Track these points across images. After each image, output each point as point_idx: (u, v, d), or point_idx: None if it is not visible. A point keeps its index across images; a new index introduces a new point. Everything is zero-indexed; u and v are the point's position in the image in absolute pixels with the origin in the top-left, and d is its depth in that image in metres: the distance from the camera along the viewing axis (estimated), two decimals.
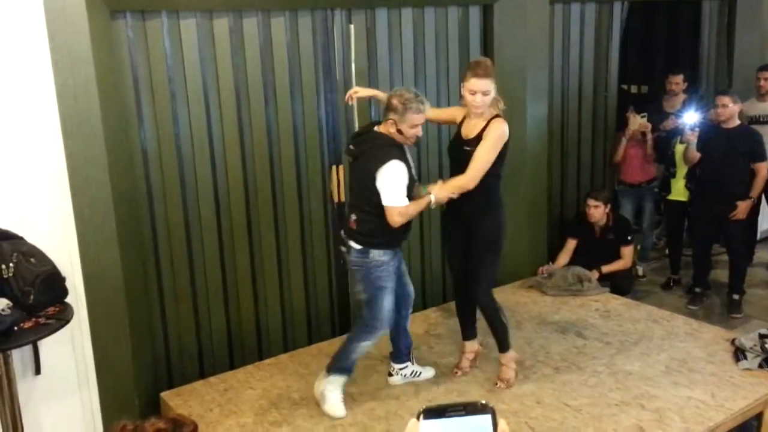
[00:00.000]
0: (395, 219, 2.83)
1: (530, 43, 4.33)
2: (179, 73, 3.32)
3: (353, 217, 2.95)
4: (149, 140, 3.30)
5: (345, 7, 3.71)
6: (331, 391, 3.04)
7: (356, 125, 3.85)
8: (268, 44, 3.53)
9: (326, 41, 3.70)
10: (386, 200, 2.83)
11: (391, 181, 2.81)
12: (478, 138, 2.99)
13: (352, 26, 3.75)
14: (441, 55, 4.13)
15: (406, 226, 2.95)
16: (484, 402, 0.80)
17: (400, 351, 3.28)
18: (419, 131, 2.90)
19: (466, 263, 3.16)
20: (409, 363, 3.30)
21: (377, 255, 2.93)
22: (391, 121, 2.86)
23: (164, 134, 3.33)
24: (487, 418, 0.78)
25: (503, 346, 3.27)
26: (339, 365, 3.06)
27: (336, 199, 3.88)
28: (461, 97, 3.02)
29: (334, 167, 3.83)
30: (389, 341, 3.30)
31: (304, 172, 3.75)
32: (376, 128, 2.95)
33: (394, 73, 3.96)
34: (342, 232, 3.07)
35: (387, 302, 2.99)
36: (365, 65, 3.85)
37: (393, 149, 2.85)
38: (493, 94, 2.95)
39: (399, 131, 2.86)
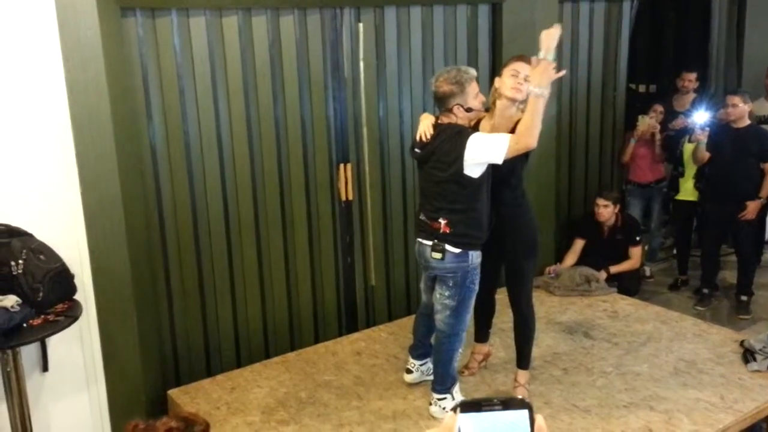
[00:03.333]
0: (525, 142, 2.57)
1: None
2: (188, 70, 3.31)
3: (443, 220, 2.79)
4: (158, 137, 3.30)
5: (354, 5, 3.70)
6: (452, 404, 2.95)
7: (364, 123, 3.84)
8: (277, 42, 3.52)
9: (335, 39, 3.69)
10: (499, 150, 2.62)
11: (483, 141, 2.67)
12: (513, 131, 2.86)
13: (360, 24, 3.74)
14: (449, 53, 4.11)
15: (489, 220, 2.85)
16: (521, 397, 0.79)
17: (425, 347, 3.22)
18: (482, 97, 2.82)
19: (498, 265, 3.09)
20: (428, 359, 3.26)
21: (475, 257, 2.84)
22: (456, 106, 2.76)
23: (173, 131, 3.33)
24: (524, 413, 0.77)
25: (525, 362, 3.18)
26: (445, 385, 2.98)
27: (343, 198, 3.87)
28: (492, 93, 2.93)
29: (341, 165, 3.83)
30: (408, 339, 3.28)
31: (312, 170, 3.75)
32: (439, 122, 2.84)
33: (402, 72, 3.95)
34: (424, 240, 2.87)
35: (473, 304, 2.93)
36: (374, 63, 3.83)
37: (464, 130, 2.76)
38: (527, 85, 2.86)
39: (468, 109, 2.77)
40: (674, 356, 3.51)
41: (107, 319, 3.11)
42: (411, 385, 3.27)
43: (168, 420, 1.39)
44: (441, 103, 2.82)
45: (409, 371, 3.27)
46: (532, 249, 3.07)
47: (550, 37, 2.62)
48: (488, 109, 2.94)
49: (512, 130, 2.79)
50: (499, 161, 2.71)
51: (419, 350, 3.25)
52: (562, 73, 2.73)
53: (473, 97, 2.79)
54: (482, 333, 3.41)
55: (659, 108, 5.04)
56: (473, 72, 2.82)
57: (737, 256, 4.80)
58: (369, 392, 3.25)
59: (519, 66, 2.84)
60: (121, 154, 3.05)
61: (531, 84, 2.64)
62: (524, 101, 2.79)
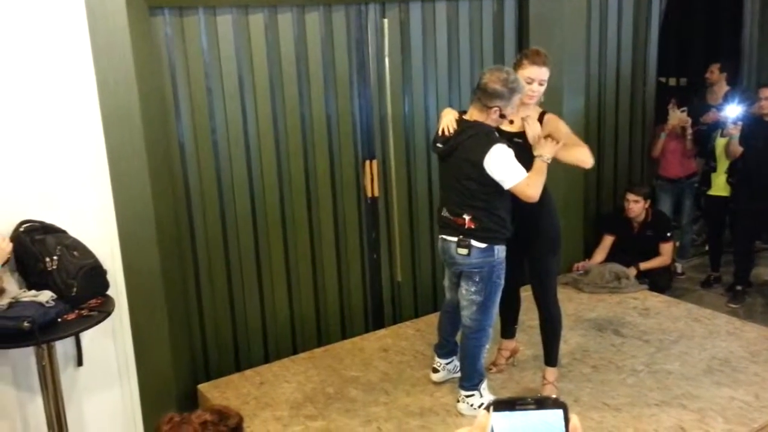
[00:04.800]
0: (529, 193, 2.71)
1: (567, 35, 4.26)
2: (215, 68, 3.35)
3: (467, 216, 2.78)
4: (186, 135, 3.34)
5: (379, 1, 3.70)
6: (480, 401, 2.95)
7: (390, 120, 3.84)
8: (303, 39, 3.53)
9: (360, 36, 3.70)
10: (509, 182, 2.70)
11: (504, 162, 2.69)
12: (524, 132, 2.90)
13: (386, 20, 3.73)
14: (475, 48, 4.09)
15: (512, 215, 2.86)
16: (555, 396, 0.78)
17: (451, 346, 3.22)
18: (516, 108, 2.81)
19: (522, 261, 3.07)
20: (454, 357, 3.25)
21: (500, 252, 2.83)
22: (496, 108, 2.72)
23: (201, 129, 3.37)
24: (559, 413, 0.75)
25: (553, 359, 3.15)
26: (473, 381, 2.98)
27: (369, 194, 3.88)
28: None
29: (367, 162, 3.83)
30: (436, 336, 3.25)
31: (337, 167, 3.76)
32: (466, 117, 2.83)
33: (428, 67, 3.94)
34: (449, 237, 2.87)
35: (499, 299, 2.93)
36: (399, 59, 3.83)
37: (492, 135, 2.75)
38: (546, 84, 2.87)
39: (503, 116, 2.76)
40: (707, 354, 3.44)
41: (139, 314, 3.15)
42: (438, 382, 3.26)
43: (202, 413, 1.40)
44: (484, 97, 2.74)
45: (435, 370, 3.26)
46: (555, 245, 3.05)
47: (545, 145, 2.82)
48: (511, 121, 2.91)
49: (538, 120, 2.87)
50: (505, 187, 2.73)
51: (445, 348, 3.24)
52: (561, 144, 2.84)
53: (513, 106, 2.76)
54: (508, 329, 3.39)
55: (673, 101, 4.96)
56: (523, 84, 2.79)
57: None
58: (396, 388, 3.25)
59: (533, 72, 2.84)
60: (150, 152, 3.10)
61: (538, 152, 2.80)
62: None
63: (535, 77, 2.83)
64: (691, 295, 4.78)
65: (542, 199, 2.96)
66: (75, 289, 2.73)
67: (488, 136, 2.76)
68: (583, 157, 2.88)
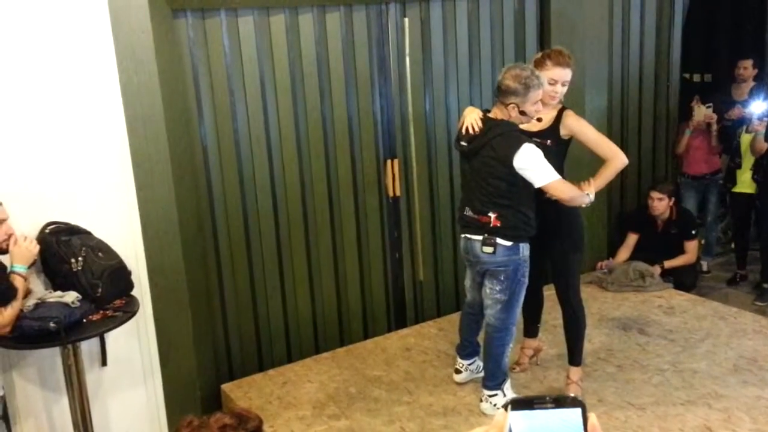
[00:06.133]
0: (561, 189, 2.72)
1: (589, 31, 4.22)
2: (237, 69, 3.36)
3: (492, 214, 2.77)
4: (209, 136, 3.36)
5: (399, 0, 3.69)
6: (503, 400, 2.94)
7: (411, 119, 3.83)
8: (323, 39, 3.54)
9: (381, 35, 3.69)
10: (541, 180, 2.69)
11: (535, 162, 2.68)
12: (553, 129, 2.88)
13: (406, 19, 3.72)
14: (496, 46, 4.06)
15: (535, 215, 2.84)
16: (573, 395, 0.77)
17: (473, 347, 3.20)
18: (540, 105, 2.77)
19: (545, 259, 3.05)
20: (476, 358, 3.24)
21: (525, 250, 2.83)
22: (512, 105, 2.71)
23: (223, 130, 3.38)
24: (577, 412, 0.75)
25: (577, 358, 3.12)
26: (496, 381, 2.97)
27: (391, 194, 3.87)
28: None
29: (389, 161, 3.82)
30: (457, 337, 3.25)
31: (359, 166, 3.76)
32: (490, 116, 2.82)
33: (449, 66, 3.92)
34: (473, 236, 2.85)
35: (523, 298, 2.91)
36: (420, 58, 3.82)
37: (519, 133, 2.74)
38: (567, 86, 2.86)
39: (522, 112, 2.74)
40: (734, 353, 3.39)
41: (163, 314, 3.18)
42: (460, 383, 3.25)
43: (222, 416, 1.39)
44: (500, 94, 2.76)
45: (458, 371, 3.25)
46: (578, 244, 3.03)
47: (608, 179, 2.94)
48: (540, 119, 2.88)
49: (556, 122, 2.86)
50: (537, 185, 2.73)
51: (467, 349, 3.23)
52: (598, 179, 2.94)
53: (532, 102, 2.73)
54: (531, 328, 3.37)
55: (697, 97, 4.89)
56: (543, 80, 2.75)
57: None
58: (419, 388, 3.24)
59: (556, 74, 2.82)
60: (174, 154, 3.12)
61: (589, 192, 2.85)
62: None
63: (558, 78, 2.82)
64: (716, 293, 4.72)
65: None
66: (100, 290, 2.76)
67: (516, 134, 2.74)
68: (619, 165, 2.91)
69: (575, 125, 2.90)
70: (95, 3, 2.85)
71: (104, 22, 2.87)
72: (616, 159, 2.90)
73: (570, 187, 2.79)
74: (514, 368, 3.30)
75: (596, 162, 3.00)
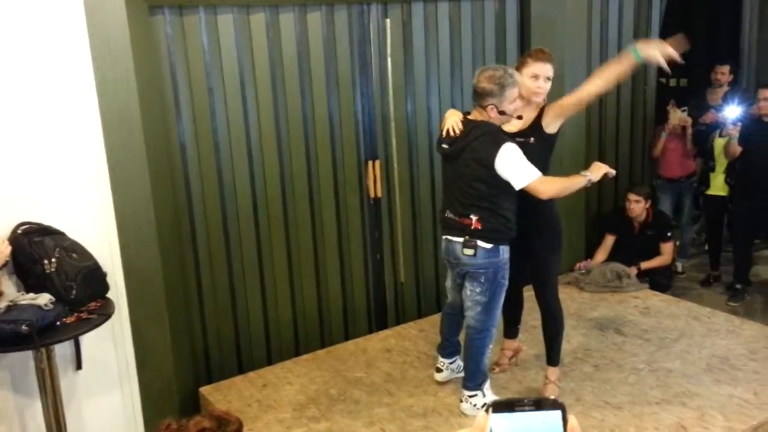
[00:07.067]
0: (541, 189, 2.70)
1: (568, 35, 4.26)
2: (216, 68, 3.32)
3: (474, 217, 2.78)
4: (187, 135, 3.31)
5: (381, 1, 3.68)
6: (483, 401, 2.94)
7: (392, 120, 3.82)
8: (305, 39, 3.51)
9: (362, 36, 3.68)
10: (520, 182, 2.69)
11: (514, 162, 2.68)
12: (535, 126, 2.88)
13: (388, 20, 3.71)
14: (477, 48, 4.08)
15: (515, 216, 2.85)
16: (554, 398, 0.78)
17: (454, 346, 3.21)
18: (518, 103, 2.78)
19: (524, 261, 3.05)
20: (457, 357, 3.24)
21: (505, 252, 2.83)
22: (490, 106, 2.73)
23: (202, 129, 3.34)
24: (557, 414, 0.76)
25: (554, 359, 3.15)
26: (476, 381, 2.97)
27: (372, 195, 3.86)
28: None
29: (370, 162, 3.81)
30: (439, 336, 3.25)
31: (340, 167, 3.74)
32: (470, 117, 2.83)
33: (430, 67, 3.92)
34: (454, 237, 2.85)
35: (503, 300, 2.92)
36: (401, 59, 3.81)
37: (500, 133, 2.75)
38: (550, 82, 2.87)
39: (502, 112, 2.75)
40: (707, 352, 3.45)
41: (139, 316, 3.12)
42: (441, 382, 3.25)
43: (201, 419, 1.37)
44: (477, 97, 2.78)
45: (439, 370, 3.26)
46: (556, 246, 3.05)
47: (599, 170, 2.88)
48: (520, 117, 2.88)
49: (537, 119, 2.87)
50: (517, 188, 2.72)
51: (448, 349, 3.23)
52: (613, 172, 2.93)
53: (510, 101, 2.75)
54: (511, 330, 3.40)
55: (672, 101, 4.97)
56: (517, 77, 2.78)
57: None
58: (399, 389, 3.24)
59: (538, 69, 2.84)
60: (150, 153, 3.07)
61: (586, 172, 2.86)
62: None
63: (540, 73, 2.84)
64: (691, 293, 4.80)
65: (545, 200, 2.96)
66: (74, 292, 2.71)
67: (496, 135, 2.75)
68: (593, 89, 2.87)
69: (555, 107, 2.89)
70: None
71: (79, 17, 2.81)
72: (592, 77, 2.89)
73: (551, 183, 2.78)
74: (493, 369, 3.31)
75: (576, 158, 3.02)
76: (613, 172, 2.91)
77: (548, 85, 2.88)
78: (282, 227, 3.63)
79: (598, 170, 2.86)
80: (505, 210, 2.80)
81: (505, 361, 3.39)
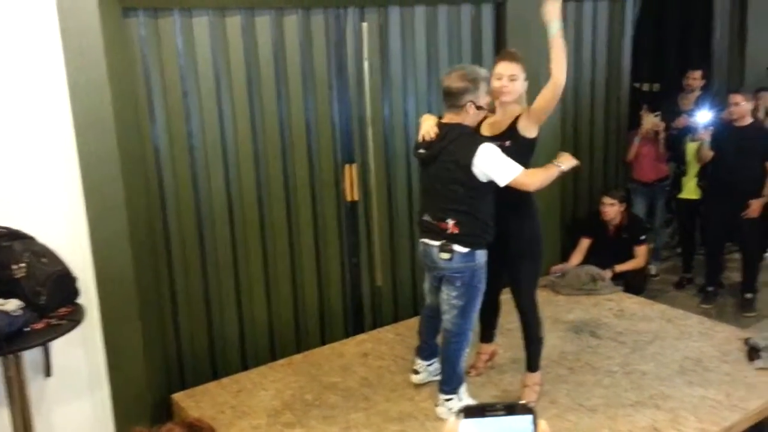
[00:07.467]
0: (527, 182, 2.73)
1: (543, 40, 4.26)
2: (191, 71, 3.29)
3: (451, 221, 2.77)
4: (161, 139, 3.28)
5: (358, 5, 3.68)
6: (459, 404, 2.91)
7: (369, 123, 3.82)
8: (281, 42, 3.50)
9: (339, 39, 3.67)
10: (504, 178, 2.70)
11: (494, 160, 2.69)
12: (511, 130, 2.86)
13: (365, 24, 3.72)
14: (454, 52, 4.10)
15: (494, 222, 2.85)
16: (524, 402, 0.80)
17: (432, 348, 3.21)
18: (488, 96, 2.82)
19: (502, 266, 3.05)
20: (435, 359, 3.23)
21: (481, 256, 2.83)
22: (469, 103, 2.75)
23: (176, 133, 3.31)
24: (528, 418, 0.78)
25: (533, 365, 3.15)
26: (452, 385, 2.97)
27: (349, 198, 3.85)
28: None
29: (347, 165, 3.80)
30: (417, 338, 3.25)
31: (317, 171, 3.73)
32: (444, 121, 2.83)
33: (407, 71, 3.93)
34: (431, 241, 2.84)
35: (479, 303, 2.92)
36: (378, 63, 3.81)
37: (476, 135, 2.78)
38: (521, 81, 2.86)
39: (479, 107, 2.78)
40: (680, 354, 3.50)
41: (111, 322, 3.08)
42: (418, 386, 3.25)
43: (173, 426, 1.34)
44: (452, 99, 2.78)
45: (416, 372, 3.26)
46: (535, 253, 3.04)
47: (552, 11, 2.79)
48: (493, 109, 2.93)
49: (513, 123, 2.86)
50: (501, 184, 2.73)
51: (426, 351, 3.24)
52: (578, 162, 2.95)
53: (484, 95, 2.79)
54: (487, 333, 3.40)
55: (645, 106, 5.05)
56: (486, 72, 2.83)
57: (741, 254, 4.79)
58: (376, 394, 3.23)
59: (501, 68, 2.86)
60: (124, 156, 3.03)
61: (558, 161, 2.86)
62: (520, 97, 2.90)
63: (503, 72, 2.85)
64: (664, 296, 4.86)
65: (526, 204, 2.98)
66: (44, 297, 2.66)
67: (473, 136, 2.78)
68: (560, 68, 2.76)
69: (529, 111, 2.86)
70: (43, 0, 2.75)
71: (52, 19, 2.77)
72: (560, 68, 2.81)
73: (534, 175, 2.80)
74: (469, 372, 3.32)
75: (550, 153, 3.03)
76: (578, 162, 2.98)
77: (514, 85, 2.85)
78: (258, 231, 3.60)
79: (568, 160, 2.90)
80: (482, 214, 2.81)
81: (481, 365, 3.40)
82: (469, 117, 2.79)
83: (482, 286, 2.89)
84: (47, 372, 2.92)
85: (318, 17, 3.57)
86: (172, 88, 3.25)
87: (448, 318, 2.92)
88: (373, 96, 3.81)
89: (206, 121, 3.37)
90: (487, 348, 3.42)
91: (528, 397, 3.10)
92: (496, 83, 2.85)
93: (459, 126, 2.79)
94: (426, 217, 2.89)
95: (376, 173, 3.92)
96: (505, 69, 2.85)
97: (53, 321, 2.67)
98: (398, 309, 4.18)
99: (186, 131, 3.33)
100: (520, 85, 2.88)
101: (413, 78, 3.96)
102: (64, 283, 2.75)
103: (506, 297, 3.32)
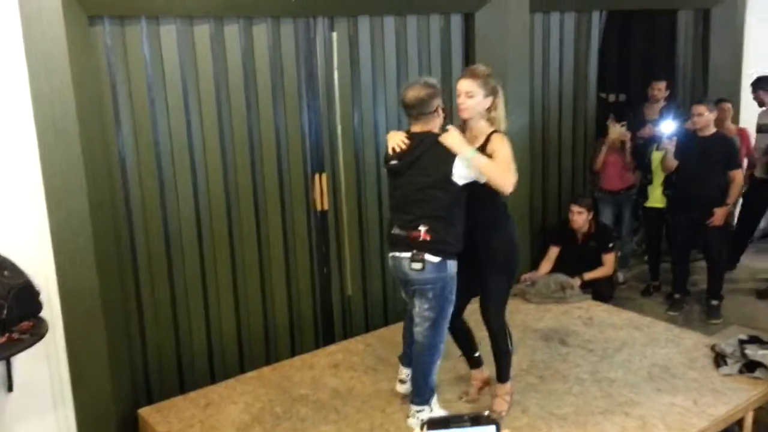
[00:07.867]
0: (499, 171, 2.76)
1: (511, 51, 4.35)
2: (159, 80, 3.25)
3: (423, 228, 2.77)
4: (128, 149, 3.23)
5: (327, 14, 3.69)
6: (430, 416, 2.86)
7: (339, 133, 3.82)
8: (250, 51, 3.48)
9: (308, 49, 3.67)
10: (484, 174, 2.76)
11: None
12: (481, 150, 2.86)
13: (334, 34, 3.72)
14: (423, 62, 4.13)
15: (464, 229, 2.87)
16: (488, 413, 0.81)
17: None
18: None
19: (473, 284, 3.03)
20: None
21: (453, 267, 2.83)
22: (438, 108, 2.84)
23: (143, 143, 3.26)
24: (492, 429, 0.80)
25: (503, 375, 3.13)
26: (423, 396, 2.95)
27: (319, 208, 3.84)
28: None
29: (317, 175, 3.79)
30: (391, 350, 3.25)
31: (286, 181, 3.71)
32: (413, 130, 2.86)
33: (377, 81, 3.95)
34: (401, 253, 2.83)
35: (450, 315, 2.91)
36: (348, 73, 3.82)
37: None
38: (479, 98, 2.85)
39: (444, 110, 2.88)
40: (648, 362, 3.54)
41: (75, 336, 3.01)
42: (389, 397, 3.24)
43: None
44: (422, 107, 2.80)
45: (402, 381, 3.20)
46: (505, 268, 3.02)
47: (484, 165, 2.76)
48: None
49: (485, 143, 2.87)
50: (481, 181, 2.78)
51: (409, 357, 3.18)
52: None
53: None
54: (472, 359, 3.28)
55: (612, 116, 5.15)
56: (434, 82, 2.92)
57: (706, 261, 4.88)
58: (346, 405, 3.21)
59: (459, 85, 2.88)
60: (88, 167, 2.97)
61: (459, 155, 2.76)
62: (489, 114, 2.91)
63: (461, 89, 2.87)
64: (632, 303, 4.92)
65: (500, 216, 2.99)
66: (5, 311, 2.61)
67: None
68: (499, 179, 2.74)
69: (495, 143, 2.87)
70: (5, 5, 2.69)
71: (14, 27, 2.72)
72: (503, 175, 2.77)
73: (496, 169, 2.76)
74: (461, 397, 3.25)
75: (521, 172, 3.03)
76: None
77: (473, 103, 2.83)
78: (226, 241, 3.57)
79: (456, 147, 2.76)
80: (457, 221, 2.83)
81: (474, 392, 3.28)
82: (437, 123, 2.84)
83: (453, 298, 2.90)
84: (9, 387, 2.86)
85: (287, 26, 3.57)
86: (139, 97, 3.21)
87: (419, 330, 2.92)
88: (343, 105, 3.82)
89: (174, 131, 3.33)
90: (477, 375, 3.30)
91: (499, 407, 3.09)
92: (457, 100, 2.89)
93: (432, 134, 2.82)
94: (395, 230, 2.90)
95: (347, 182, 3.92)
96: (463, 86, 2.86)
97: (15, 335, 2.62)
98: (369, 318, 4.17)
99: (153, 141, 3.28)
100: (477, 102, 2.85)
101: (383, 87, 3.97)
102: (26, 296, 2.70)
103: (472, 307, 3.29)
